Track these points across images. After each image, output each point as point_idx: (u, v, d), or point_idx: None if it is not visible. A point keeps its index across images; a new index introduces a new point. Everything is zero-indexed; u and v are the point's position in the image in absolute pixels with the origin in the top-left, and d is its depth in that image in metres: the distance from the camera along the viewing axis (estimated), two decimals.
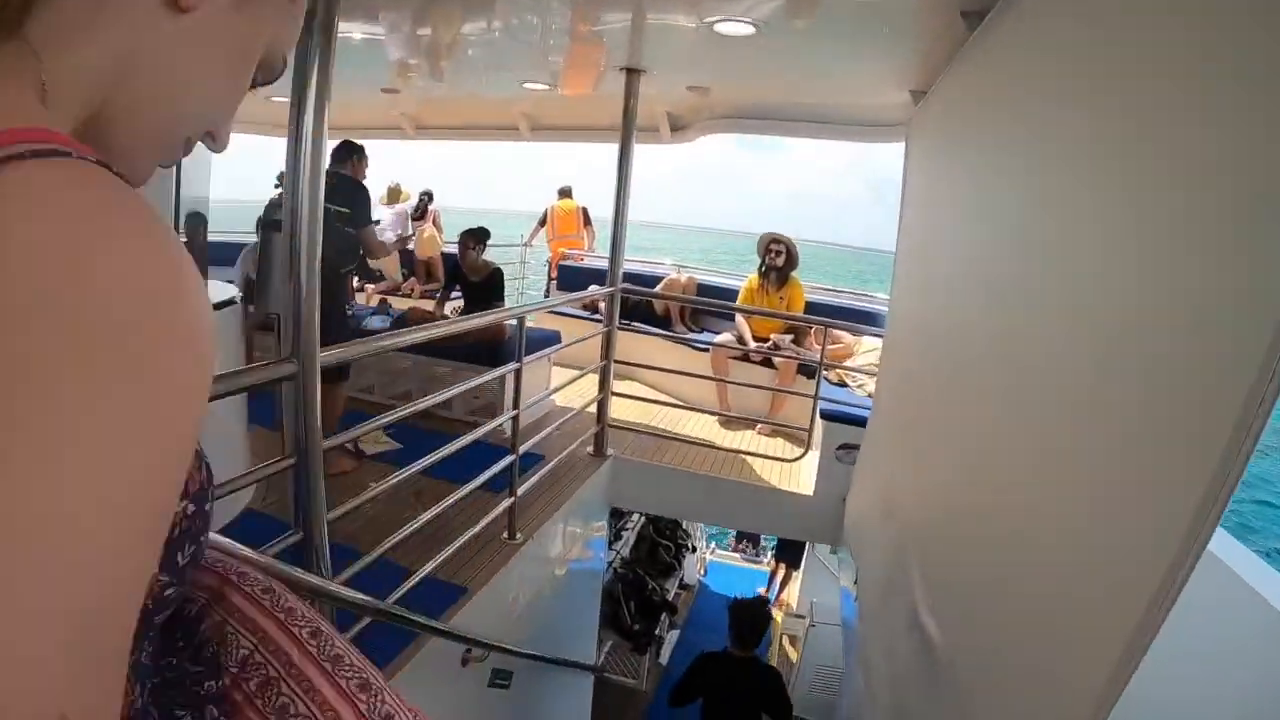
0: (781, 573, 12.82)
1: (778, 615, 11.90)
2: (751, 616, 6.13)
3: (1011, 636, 1.98)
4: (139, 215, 0.60)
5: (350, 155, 5.59)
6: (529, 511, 5.28)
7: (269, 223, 4.83)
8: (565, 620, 6.67)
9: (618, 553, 10.03)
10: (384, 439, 6.39)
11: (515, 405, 4.63)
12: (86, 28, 0.66)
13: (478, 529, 4.37)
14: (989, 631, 2.18)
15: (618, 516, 10.14)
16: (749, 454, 6.93)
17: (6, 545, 0.46)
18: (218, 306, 4.55)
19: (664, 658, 10.85)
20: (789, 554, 12.49)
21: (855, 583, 4.61)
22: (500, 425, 4.62)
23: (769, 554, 14.35)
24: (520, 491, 4.85)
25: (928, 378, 3.49)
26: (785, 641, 11.35)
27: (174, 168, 3.83)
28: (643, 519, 10.96)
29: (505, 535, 4.91)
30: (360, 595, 2.86)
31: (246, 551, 1.60)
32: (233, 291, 5.06)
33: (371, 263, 8.54)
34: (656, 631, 10.08)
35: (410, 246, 10.17)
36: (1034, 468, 1.97)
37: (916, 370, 3.82)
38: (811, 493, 6.44)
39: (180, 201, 4.15)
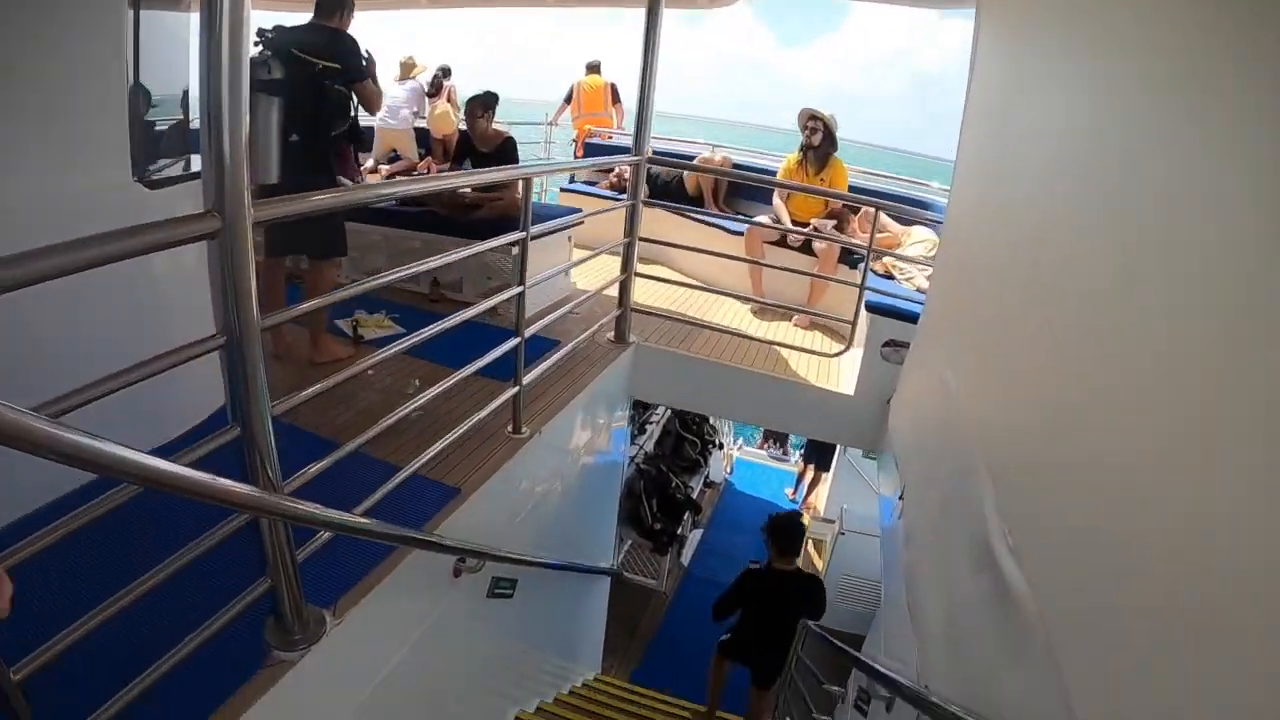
0: (810, 475, 12.41)
1: (805, 518, 11.42)
2: (790, 528, 6.25)
3: (1137, 598, 1.51)
4: None
5: (338, 8, 5.01)
6: (538, 402, 4.87)
7: (255, 84, 4.32)
8: (578, 521, 6.32)
9: (640, 447, 9.53)
10: (386, 322, 5.94)
11: (520, 281, 4.09)
12: None
13: (473, 421, 3.93)
14: (1104, 588, 1.68)
15: (642, 409, 9.71)
16: (784, 346, 6.41)
17: None
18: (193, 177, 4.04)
19: (686, 558, 10.53)
20: (819, 456, 12.00)
21: (900, 497, 4.09)
22: (510, 306, 4.17)
23: (796, 455, 13.93)
24: (528, 380, 4.40)
25: (1008, 272, 2.92)
26: (810, 547, 10.98)
27: (126, 52, 3.49)
28: (668, 413, 10.44)
29: (509, 429, 4.48)
30: (306, 505, 2.40)
31: None
32: None
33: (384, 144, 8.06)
34: (679, 531, 9.61)
35: (424, 124, 9.54)
36: (1168, 375, 1.53)
37: (990, 263, 3.24)
38: (851, 392, 5.89)
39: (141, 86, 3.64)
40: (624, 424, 7.03)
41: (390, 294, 6.60)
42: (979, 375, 3.13)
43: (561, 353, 4.95)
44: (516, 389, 4.30)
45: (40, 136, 3.23)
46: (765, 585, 6.24)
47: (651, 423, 9.94)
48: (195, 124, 2.62)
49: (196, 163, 2.92)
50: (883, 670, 3.39)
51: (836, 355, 6.20)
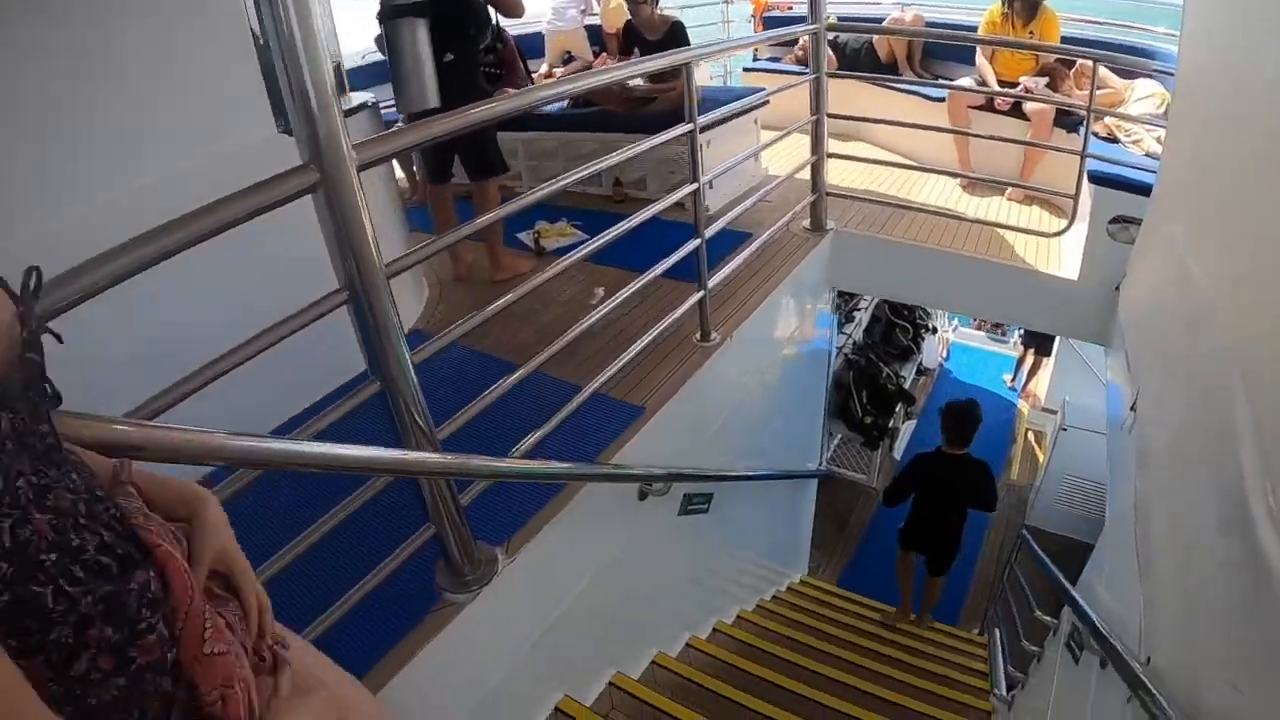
0: (1030, 360, 11.64)
1: (1024, 408, 11.19)
2: (961, 415, 6.18)
3: None
4: None
5: None
6: (730, 303, 4.59)
7: (392, 10, 4.12)
8: (780, 424, 6.07)
9: (848, 336, 9.08)
10: (569, 230, 5.78)
11: (694, 177, 3.72)
12: None
13: (656, 333, 3.71)
14: None
15: (848, 297, 9.01)
16: (997, 226, 5.77)
17: None
18: (350, 112, 4.18)
19: (898, 451, 10.14)
20: (1039, 340, 11.21)
21: (1132, 407, 3.58)
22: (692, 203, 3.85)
23: (1015, 337, 13.11)
24: (715, 281, 4.13)
25: (1275, 124, 2.27)
26: (1030, 438, 10.51)
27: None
28: (877, 298, 9.79)
29: (697, 336, 4.22)
30: (458, 459, 2.41)
31: None
32: (366, 96, 4.59)
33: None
34: (890, 424, 9.26)
35: (595, 21, 9.12)
36: None
37: (1246, 113, 2.59)
38: (1075, 277, 5.19)
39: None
40: (827, 315, 6.65)
41: (572, 200, 6.42)
42: (1233, 263, 2.50)
43: (751, 248, 4.64)
44: (701, 293, 4.03)
45: (183, 104, 3.22)
46: (934, 471, 6.20)
47: (859, 310, 9.42)
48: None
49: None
50: (1097, 624, 3.00)
51: (1056, 235, 5.51)
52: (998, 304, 5.97)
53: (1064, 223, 5.37)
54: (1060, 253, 5.51)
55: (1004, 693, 5.03)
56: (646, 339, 3.65)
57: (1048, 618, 4.53)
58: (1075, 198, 5.14)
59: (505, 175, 5.11)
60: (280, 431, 2.70)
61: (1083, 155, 4.96)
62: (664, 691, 3.97)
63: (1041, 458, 9.83)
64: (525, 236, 5.73)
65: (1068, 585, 3.91)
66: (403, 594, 2.61)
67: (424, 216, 5.74)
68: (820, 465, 8.04)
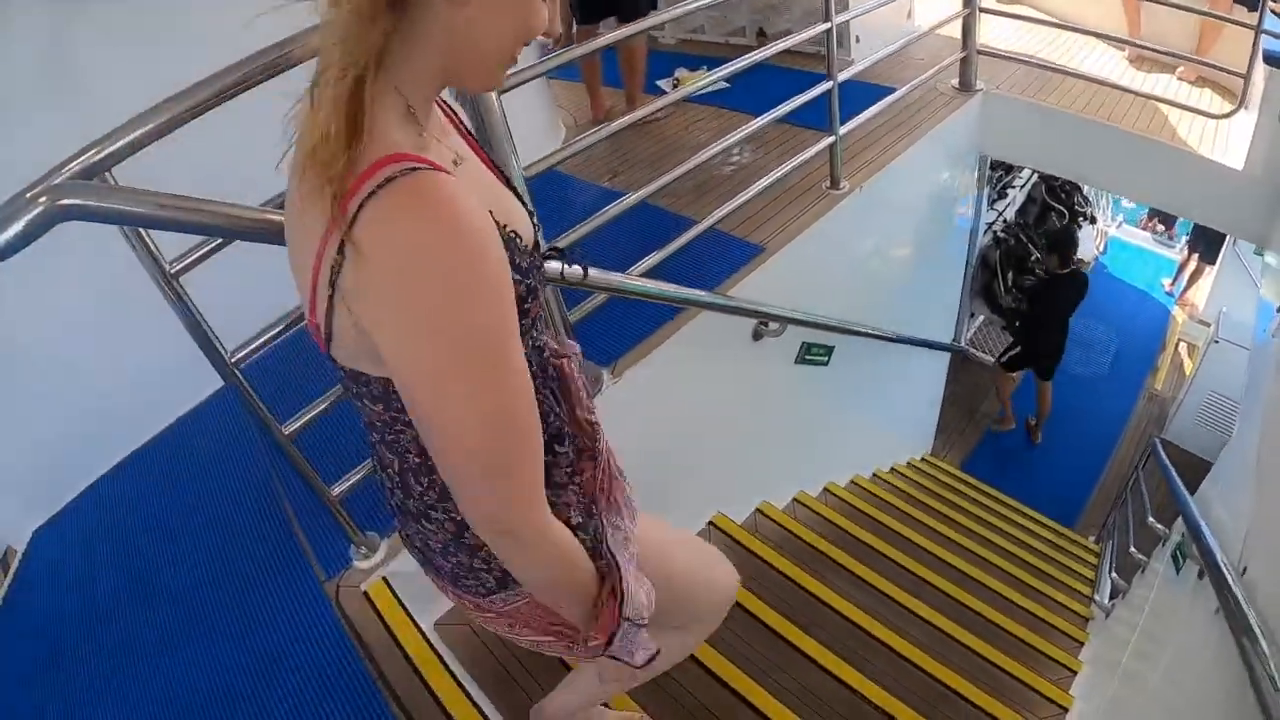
0: (1192, 265, 10.86)
1: (1179, 316, 10.64)
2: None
3: None
4: (451, 206, 0.95)
5: None
6: (865, 154, 4.39)
7: None
8: (912, 289, 5.82)
9: (999, 214, 8.62)
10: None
11: (826, 15, 3.53)
12: (415, 54, 1.01)
13: (782, 172, 3.61)
14: None
15: (1004, 171, 8.53)
16: (1163, 102, 5.24)
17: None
18: None
19: None
20: (1206, 244, 10.43)
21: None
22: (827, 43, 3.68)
23: (1182, 241, 12.28)
24: (847, 129, 3.92)
25: None
26: (1182, 349, 10.04)
27: None
28: (1034, 176, 9.25)
29: (826, 184, 4.05)
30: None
31: None
32: None
33: None
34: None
35: None
36: None
37: None
38: (1240, 166, 4.66)
39: None
40: (973, 185, 6.29)
41: (715, 50, 6.32)
42: None
43: (889, 99, 4.38)
44: (832, 139, 3.82)
45: None
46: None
47: (1014, 187, 8.89)
48: None
49: None
50: (1201, 529, 2.76)
51: (1224, 117, 4.97)
52: (1152, 186, 5.42)
53: (1233, 105, 4.87)
54: (1227, 138, 4.99)
55: (1106, 601, 4.82)
56: (771, 178, 3.54)
57: (1160, 526, 4.25)
58: (1247, 78, 4.66)
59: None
60: None
61: (1258, 31, 4.41)
62: (765, 540, 3.93)
63: (1189, 369, 9.34)
64: (665, 84, 5.59)
65: (1185, 493, 3.64)
66: None
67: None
68: (955, 340, 7.82)
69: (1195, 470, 7.11)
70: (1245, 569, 2.28)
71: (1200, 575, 2.68)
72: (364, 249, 0.93)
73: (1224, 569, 2.29)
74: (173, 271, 1.71)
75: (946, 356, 7.53)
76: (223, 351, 1.86)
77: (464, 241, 0.95)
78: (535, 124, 4.61)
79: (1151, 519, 4.36)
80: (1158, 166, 5.04)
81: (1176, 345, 10.14)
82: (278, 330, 1.99)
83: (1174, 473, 4.13)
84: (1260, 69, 4.51)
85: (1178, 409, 8.41)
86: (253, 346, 1.94)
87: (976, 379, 9.19)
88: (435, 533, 1.30)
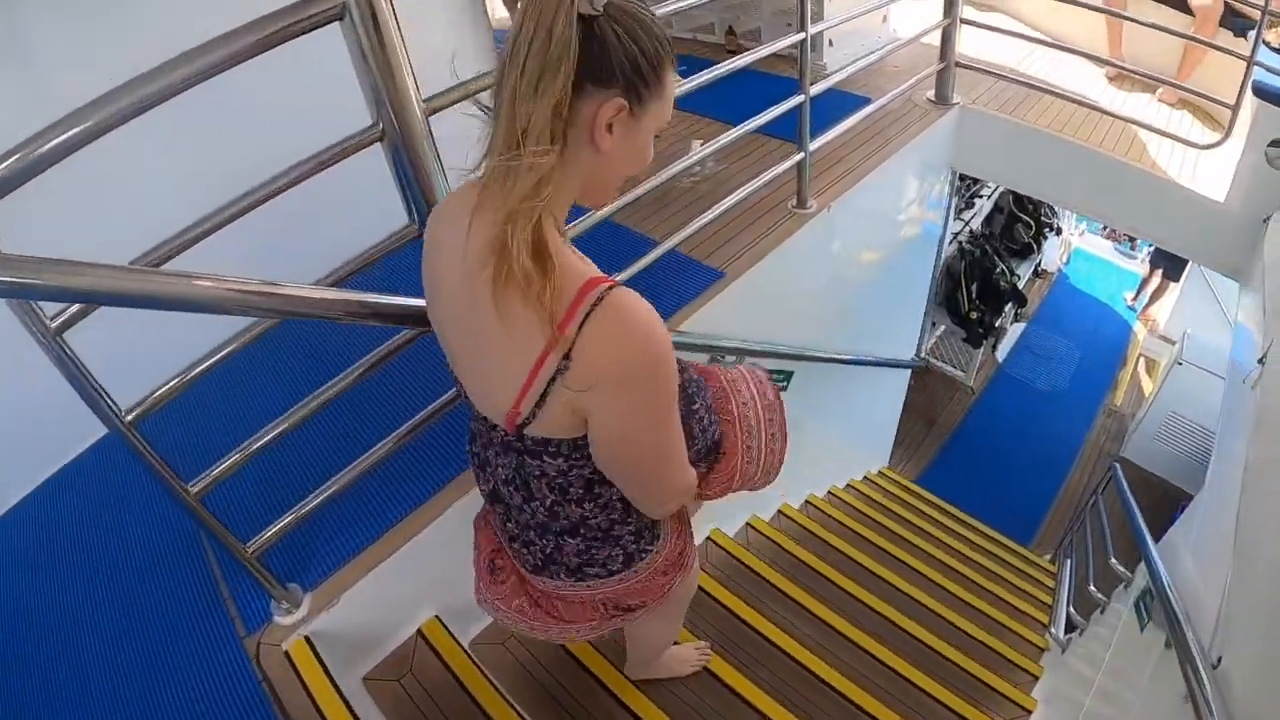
0: (1156, 281, 10.82)
1: (1140, 331, 10.67)
2: None
3: None
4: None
5: None
6: (834, 170, 4.22)
7: None
8: (877, 307, 5.72)
9: (965, 224, 8.54)
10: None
11: (801, 25, 3.30)
12: (565, 187, 1.30)
13: (747, 192, 3.49)
14: None
15: (971, 181, 8.32)
16: (1142, 126, 5.05)
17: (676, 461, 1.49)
18: None
19: (1001, 353, 9.89)
20: (1170, 262, 10.30)
21: (1261, 359, 3.10)
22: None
23: (1144, 252, 12.22)
24: (817, 145, 3.75)
25: None
26: (1141, 365, 10.03)
27: None
28: (1001, 187, 9.11)
29: (793, 203, 3.87)
30: None
31: None
32: None
33: None
34: (998, 322, 8.72)
35: None
36: None
37: None
38: (1220, 199, 4.58)
39: None
40: (943, 198, 6.13)
41: (683, 47, 6.08)
42: None
43: (865, 112, 4.22)
44: (801, 155, 3.65)
45: None
46: None
47: (981, 196, 8.79)
48: None
49: None
50: (1170, 599, 2.62)
51: (1208, 148, 4.78)
52: (1129, 213, 5.27)
53: (1218, 135, 4.71)
54: (1209, 169, 4.86)
55: (1061, 634, 4.68)
56: (735, 198, 3.41)
57: (1122, 569, 4.12)
58: (1235, 109, 4.45)
59: None
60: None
61: (1250, 62, 4.26)
62: (713, 569, 3.84)
63: (1149, 388, 9.35)
64: None
65: (1149, 540, 3.50)
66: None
67: None
68: (917, 355, 7.69)
69: (1152, 489, 7.48)
70: (1219, 659, 2.14)
71: (1167, 645, 2.55)
72: (593, 360, 1.24)
73: (1195, 654, 2.16)
74: (55, 328, 1.52)
75: (908, 370, 7.42)
76: (115, 410, 1.68)
77: (661, 339, 1.29)
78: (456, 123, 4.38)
79: (1114, 560, 4.24)
80: (1135, 193, 4.92)
81: (1137, 361, 10.12)
82: (174, 382, 1.82)
83: (1137, 512, 4.00)
84: (1249, 101, 4.36)
85: (1137, 427, 8.35)
86: (145, 405, 1.76)
87: (936, 389, 9.19)
88: (581, 539, 1.65)
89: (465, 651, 2.66)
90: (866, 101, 4.36)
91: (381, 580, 2.40)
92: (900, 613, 4.18)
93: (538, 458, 1.48)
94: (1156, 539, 3.60)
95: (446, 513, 2.49)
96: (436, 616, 2.73)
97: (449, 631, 2.71)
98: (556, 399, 1.30)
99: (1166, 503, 7.16)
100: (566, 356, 1.24)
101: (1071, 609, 4.76)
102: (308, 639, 2.27)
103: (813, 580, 4.16)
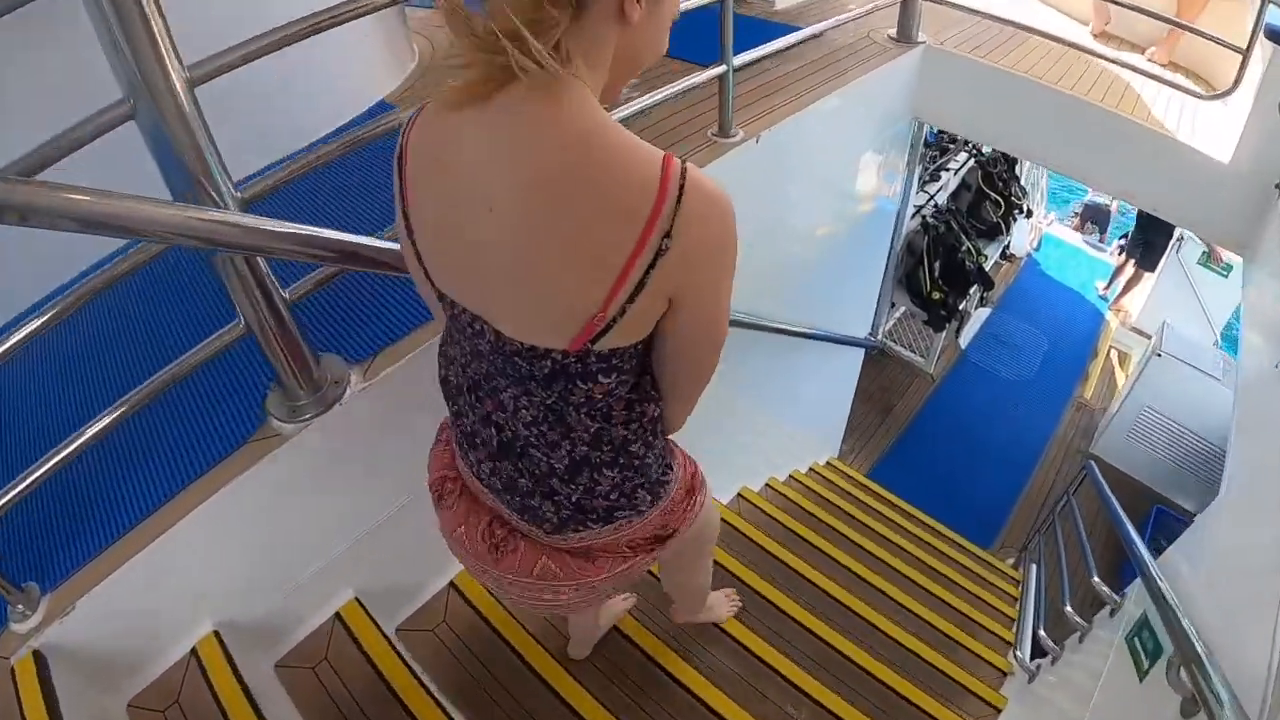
0: (1129, 271, 10.40)
1: (1112, 321, 10.27)
2: None
3: None
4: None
5: None
6: (770, 100, 3.60)
7: None
8: (822, 274, 5.06)
9: (930, 197, 7.81)
10: None
11: None
12: (597, 58, 1.23)
13: (651, 101, 2.99)
14: None
15: (938, 153, 7.82)
16: (1138, 72, 4.47)
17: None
18: None
19: (965, 339, 9.31)
20: (1144, 251, 9.85)
21: None
22: None
23: (1113, 245, 11.94)
24: (744, 60, 3.26)
25: None
26: (1113, 356, 9.67)
27: None
28: (971, 161, 8.57)
29: (714, 129, 3.33)
30: (251, 221, 1.67)
31: None
32: None
33: None
34: (962, 306, 8.09)
35: None
36: None
37: None
38: (1226, 159, 3.96)
39: None
40: (903, 157, 5.50)
41: None
42: None
43: (803, 34, 3.80)
44: (724, 68, 3.09)
45: None
46: None
47: (948, 169, 8.10)
48: None
49: None
50: (1202, 657, 1.91)
51: (1214, 98, 4.22)
52: (1119, 174, 4.62)
53: (1225, 85, 4.09)
54: (1211, 126, 4.25)
55: (1027, 657, 4.06)
56: (634, 108, 2.90)
57: (1108, 590, 3.45)
58: (1245, 55, 3.87)
59: None
60: None
61: (1263, 4, 3.66)
62: None
63: (1120, 380, 9.01)
64: None
65: (1150, 560, 2.81)
66: (225, 424, 2.15)
67: None
68: (874, 336, 7.26)
69: (1124, 488, 7.14)
70: None
71: (1187, 714, 1.87)
72: (699, 234, 1.21)
73: None
74: None
75: (861, 352, 6.89)
76: None
77: (734, 214, 1.28)
78: (370, 57, 3.80)
79: (1097, 579, 3.57)
80: (1127, 150, 4.28)
81: (1109, 353, 9.72)
82: None
83: (1133, 533, 3.30)
84: (1262, 45, 3.78)
85: (1109, 422, 7.86)
86: None
87: (893, 375, 8.74)
88: (619, 471, 1.55)
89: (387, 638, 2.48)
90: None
91: (137, 582, 1.94)
92: (838, 632, 3.56)
93: (591, 379, 1.38)
94: None
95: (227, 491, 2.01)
96: (357, 599, 2.53)
97: (371, 617, 2.50)
98: (655, 285, 1.23)
99: (1140, 504, 6.90)
100: (667, 235, 1.18)
101: (1043, 632, 4.10)
102: (38, 654, 1.85)
103: (741, 594, 3.50)
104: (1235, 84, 3.95)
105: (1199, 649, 1.97)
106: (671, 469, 1.72)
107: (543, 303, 1.30)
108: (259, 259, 1.83)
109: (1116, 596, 3.34)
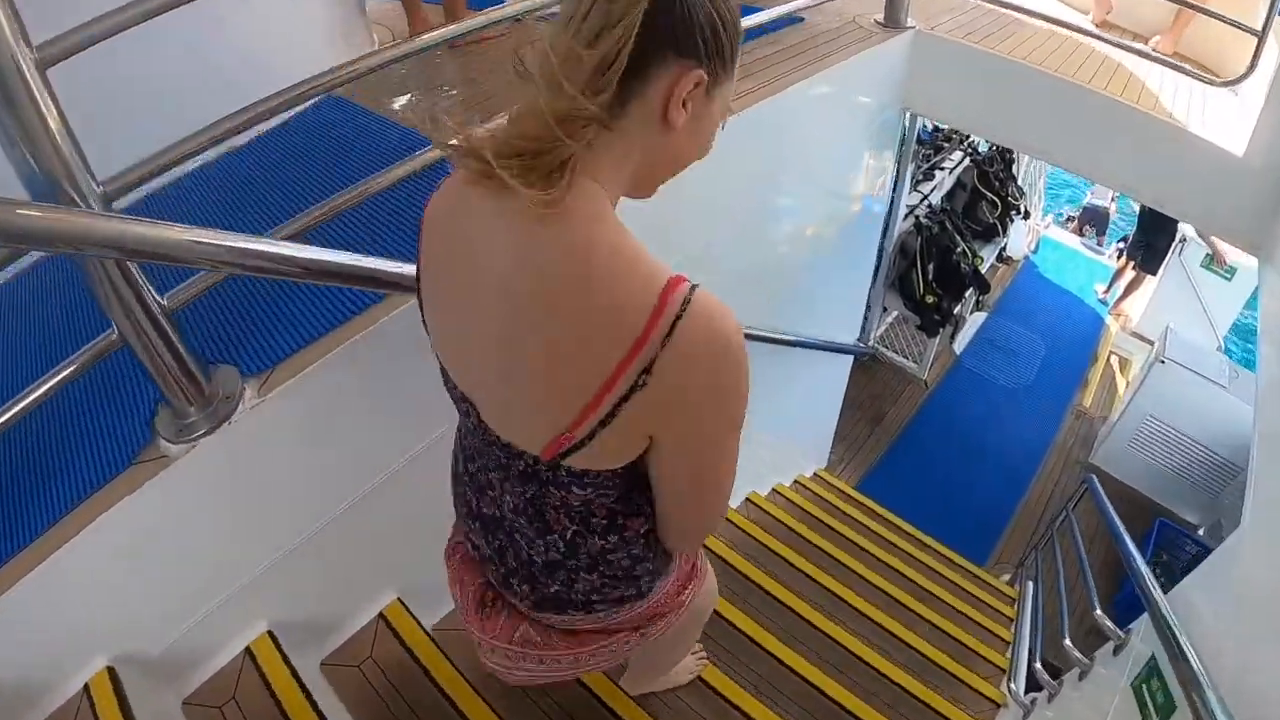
0: (1129, 275, 10.12)
1: (1112, 326, 9.99)
2: None
3: None
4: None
5: None
6: (741, 84, 3.19)
7: None
8: (802, 275, 4.78)
9: (924, 196, 7.54)
10: None
11: None
12: (625, 161, 1.16)
13: None
14: None
15: (932, 151, 7.64)
16: (1143, 56, 4.25)
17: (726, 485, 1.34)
18: None
19: (960, 345, 9.09)
20: (1145, 253, 9.49)
21: None
22: None
23: (1111, 248, 11.66)
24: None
25: None
26: (1114, 362, 9.43)
27: None
28: (967, 160, 8.32)
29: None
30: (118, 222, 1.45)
31: None
32: None
33: None
34: (956, 310, 7.79)
35: None
36: None
37: None
38: (1240, 151, 3.69)
39: None
40: (892, 151, 5.22)
41: None
42: None
43: (782, 11, 3.54)
44: None
45: None
46: None
47: (942, 169, 7.88)
48: None
49: None
50: None
51: (1226, 84, 4.01)
52: (1122, 167, 4.33)
53: (1240, 70, 3.84)
54: (1223, 116, 4.00)
55: (1022, 690, 3.83)
56: None
57: (1110, 625, 3.16)
58: (1261, 36, 3.65)
59: None
60: None
61: None
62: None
63: (1121, 386, 8.82)
64: None
65: (1158, 596, 2.52)
66: (108, 444, 1.93)
67: None
68: (865, 342, 7.11)
69: (1125, 500, 7.08)
70: None
71: None
72: (683, 373, 1.09)
73: None
74: None
75: (850, 359, 6.66)
76: None
77: (743, 345, 1.13)
78: (320, 46, 3.51)
79: (1099, 612, 3.28)
80: (1132, 141, 4.00)
81: (1108, 358, 9.48)
82: None
83: (1140, 563, 3.01)
84: (1278, 33, 3.61)
85: (1109, 431, 7.62)
86: None
87: (885, 382, 8.48)
88: (599, 576, 1.46)
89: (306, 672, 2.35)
90: (799, 21, 3.72)
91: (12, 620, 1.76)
92: (816, 665, 3.29)
93: (564, 488, 1.30)
94: None
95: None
96: (270, 633, 2.31)
97: (281, 653, 2.28)
98: (625, 421, 1.12)
99: (1142, 517, 6.72)
100: (647, 370, 1.07)
101: (1039, 665, 3.81)
102: None
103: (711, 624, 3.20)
104: (1250, 69, 3.70)
105: (1218, 713, 1.69)
106: (669, 567, 1.62)
107: (518, 406, 1.26)
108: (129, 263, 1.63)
109: (1120, 632, 3.05)
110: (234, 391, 1.94)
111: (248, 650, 2.27)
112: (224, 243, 1.57)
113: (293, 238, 1.98)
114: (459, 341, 1.31)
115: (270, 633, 2.31)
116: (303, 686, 2.22)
